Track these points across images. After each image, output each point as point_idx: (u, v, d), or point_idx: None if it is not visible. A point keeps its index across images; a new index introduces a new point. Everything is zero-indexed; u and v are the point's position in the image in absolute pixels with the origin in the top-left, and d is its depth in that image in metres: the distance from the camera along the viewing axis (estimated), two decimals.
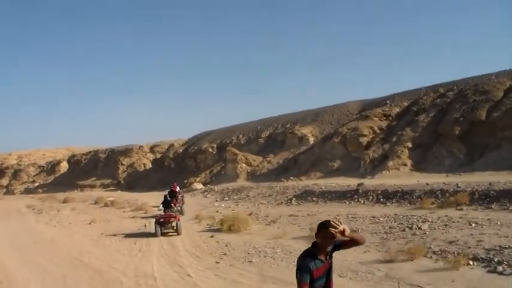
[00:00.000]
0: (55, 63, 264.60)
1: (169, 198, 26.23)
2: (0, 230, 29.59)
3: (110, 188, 70.91)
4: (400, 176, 34.27)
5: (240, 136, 61.45)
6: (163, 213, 24.19)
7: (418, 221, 18.88)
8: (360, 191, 27.93)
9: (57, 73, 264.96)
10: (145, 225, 26.77)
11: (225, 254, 17.34)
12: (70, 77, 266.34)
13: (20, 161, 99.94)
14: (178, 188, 32.61)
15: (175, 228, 23.11)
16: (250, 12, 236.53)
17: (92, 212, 37.76)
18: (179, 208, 29.11)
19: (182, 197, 33.66)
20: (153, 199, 42.26)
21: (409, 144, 37.70)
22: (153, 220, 24.29)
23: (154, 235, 22.44)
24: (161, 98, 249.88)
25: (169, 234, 22.74)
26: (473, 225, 16.88)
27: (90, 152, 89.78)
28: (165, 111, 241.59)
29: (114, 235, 24.15)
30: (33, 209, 45.60)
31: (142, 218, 30.58)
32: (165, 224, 23.16)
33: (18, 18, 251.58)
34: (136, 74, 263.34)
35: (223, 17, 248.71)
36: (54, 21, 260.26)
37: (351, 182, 32.55)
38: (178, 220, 23.22)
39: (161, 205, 25.48)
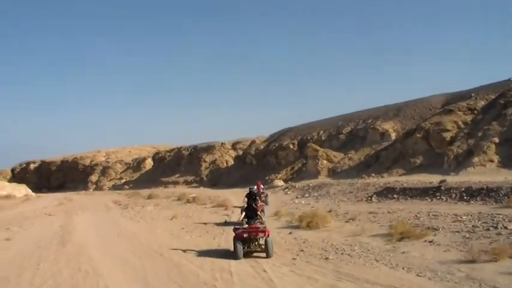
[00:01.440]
0: (138, 66, 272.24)
1: (250, 202, 19.65)
2: (88, 223, 30.81)
3: (193, 185, 72.32)
4: (486, 172, 33.01)
5: (321, 132, 61.09)
6: (245, 226, 17.70)
7: (504, 220, 18.13)
8: (442, 188, 27.15)
9: (134, 74, 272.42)
10: (225, 221, 27.11)
11: (302, 250, 17.33)
12: (152, 72, 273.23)
13: (108, 158, 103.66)
14: (262, 187, 32.52)
15: (263, 246, 16.85)
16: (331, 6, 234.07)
17: (174, 208, 38.65)
18: (263, 213, 21.65)
19: (266, 196, 32.56)
20: (235, 195, 42.77)
21: (496, 139, 36.23)
22: (236, 211, 23.68)
23: (233, 256, 16.68)
24: (243, 95, 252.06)
25: (255, 255, 16.85)
26: None
27: (173, 149, 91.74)
28: (247, 108, 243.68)
29: (194, 230, 24.60)
30: (119, 204, 47.21)
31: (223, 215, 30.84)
32: (249, 242, 16.93)
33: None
34: (217, 71, 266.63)
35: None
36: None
37: (433, 179, 31.67)
38: (268, 235, 16.95)
39: (243, 212, 19.11)
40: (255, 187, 27.53)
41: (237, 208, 30.71)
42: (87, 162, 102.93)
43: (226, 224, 24.54)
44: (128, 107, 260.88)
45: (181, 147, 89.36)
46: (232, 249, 17.07)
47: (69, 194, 74.87)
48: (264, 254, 16.52)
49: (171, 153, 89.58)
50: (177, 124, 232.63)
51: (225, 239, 21.00)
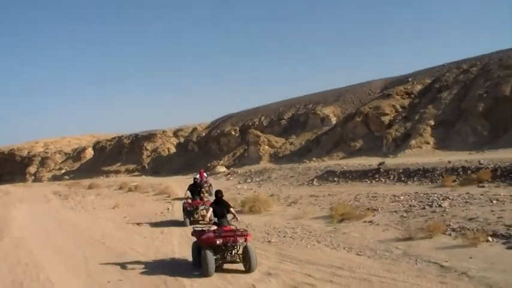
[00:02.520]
0: (77, 48, 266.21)
1: (195, 194, 21.89)
2: (27, 215, 30.08)
3: (135, 174, 71.55)
4: (423, 154, 34.01)
5: (262, 118, 61.40)
6: (190, 201, 21.50)
7: (438, 198, 18.77)
8: (381, 170, 27.81)
9: (78, 57, 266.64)
10: (167, 209, 27.01)
11: None
12: (91, 61, 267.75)
13: (47, 148, 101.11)
14: (205, 175, 32.37)
15: (205, 215, 17.79)
16: None
17: (116, 197, 38.20)
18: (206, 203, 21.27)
19: (210, 186, 31.82)
20: (177, 183, 42.62)
21: (432, 122, 37.32)
22: (176, 203, 24.01)
23: (182, 224, 20.60)
24: (183, 83, 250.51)
25: (200, 223, 19.33)
26: (494, 202, 16.73)
27: (114, 138, 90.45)
28: (188, 96, 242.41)
29: (137, 219, 24.42)
30: (59, 195, 46.23)
31: (166, 202, 30.65)
32: (193, 213, 21.12)
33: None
34: (158, 59, 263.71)
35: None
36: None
37: (373, 162, 32.36)
38: (209, 206, 19.22)
39: (188, 192, 22.06)
40: (198, 175, 27.40)
41: (178, 200, 29.55)
42: (25, 153, 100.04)
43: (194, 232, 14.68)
44: (66, 96, 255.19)
45: (122, 136, 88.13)
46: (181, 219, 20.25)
47: (6, 187, 72.74)
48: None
49: (112, 142, 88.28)
50: (118, 113, 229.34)
51: (168, 228, 20.97)
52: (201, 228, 13.57)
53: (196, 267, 12.76)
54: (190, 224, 19.75)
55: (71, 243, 18.54)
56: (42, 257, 16.17)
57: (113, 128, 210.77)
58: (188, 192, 22.05)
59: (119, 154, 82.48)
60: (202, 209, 20.67)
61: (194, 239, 13.60)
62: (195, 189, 22.22)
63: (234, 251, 12.35)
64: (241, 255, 14.52)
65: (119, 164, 79.39)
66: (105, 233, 20.34)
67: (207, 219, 13.65)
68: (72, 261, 15.22)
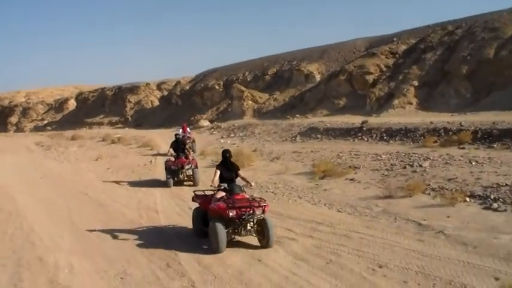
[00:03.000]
0: None
1: (178, 151, 20.28)
2: (9, 165, 30.06)
3: (118, 126, 71.11)
4: (406, 114, 34.19)
5: (247, 73, 61.00)
6: (174, 159, 19.76)
7: (419, 158, 19.03)
8: (364, 128, 28.02)
9: (63, 6, 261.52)
10: (150, 161, 27.10)
11: None
12: (76, 11, 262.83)
13: (29, 99, 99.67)
14: (188, 130, 32.13)
15: (191, 176, 19.20)
16: None
17: (99, 148, 38.18)
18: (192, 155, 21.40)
19: (193, 142, 30.20)
20: (160, 136, 42.58)
21: (415, 83, 37.41)
22: (159, 157, 23.79)
23: (165, 185, 19.06)
24: (167, 33, 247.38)
25: (184, 184, 19.30)
26: (473, 163, 17.00)
27: (97, 89, 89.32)
28: (172, 47, 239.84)
29: (120, 170, 24.51)
30: (42, 146, 46.04)
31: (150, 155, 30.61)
32: (178, 172, 19.25)
33: None
34: (143, 10, 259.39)
35: None
36: None
37: (356, 120, 32.53)
38: (196, 166, 19.43)
39: (171, 149, 20.52)
40: (181, 130, 26.41)
41: (159, 156, 28.26)
42: (6, 103, 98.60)
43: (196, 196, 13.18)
44: (49, 45, 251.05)
45: (105, 88, 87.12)
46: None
47: None
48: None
49: (95, 94, 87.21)
50: (101, 64, 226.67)
51: (151, 180, 21.09)
52: (203, 192, 12.10)
53: (198, 236, 11.37)
54: (174, 185, 18.77)
55: (54, 194, 18.68)
56: (25, 206, 16.31)
57: (96, 79, 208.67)
58: (171, 149, 20.40)
59: (102, 106, 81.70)
60: (187, 169, 19.26)
61: (194, 204, 12.25)
62: (178, 146, 20.54)
63: (249, 225, 10.51)
64: (190, 176, 16.42)
65: (101, 115, 78.75)
66: (88, 184, 20.45)
67: (214, 184, 11.12)
68: (56, 211, 15.38)
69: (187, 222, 12.44)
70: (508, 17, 38.17)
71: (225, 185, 10.98)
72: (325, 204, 14.15)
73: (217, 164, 12.01)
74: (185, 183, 19.24)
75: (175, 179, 19.14)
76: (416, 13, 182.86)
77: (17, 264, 10.01)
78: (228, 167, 11.59)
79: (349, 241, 10.36)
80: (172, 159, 19.73)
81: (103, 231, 12.35)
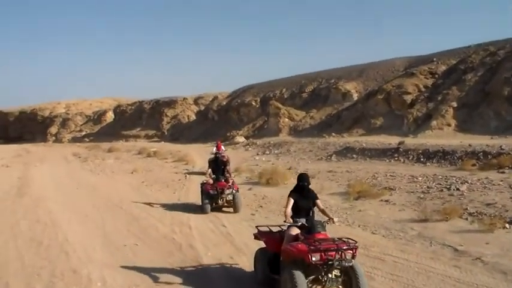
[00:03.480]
0: (102, 14, 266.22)
1: (217, 173, 17.73)
2: (46, 175, 30.54)
3: (154, 139, 71.89)
4: (444, 136, 33.72)
5: (284, 90, 61.06)
6: (212, 182, 17.26)
7: (457, 182, 18.66)
8: (401, 149, 27.69)
9: (104, 19, 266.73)
10: (185, 176, 27.21)
11: (261, 206, 17.60)
12: (117, 25, 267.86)
13: (68, 110, 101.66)
14: (223, 148, 30.29)
15: (231, 201, 17.00)
16: None
17: (134, 161, 38.56)
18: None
19: (227, 161, 27.65)
20: (196, 150, 42.91)
21: (455, 104, 36.90)
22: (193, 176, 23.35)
23: (201, 210, 16.95)
24: (205, 47, 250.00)
25: (224, 210, 17.22)
26: None
27: (135, 102, 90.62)
28: (209, 64, 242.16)
29: (154, 184, 24.68)
30: (79, 157, 46.81)
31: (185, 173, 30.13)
32: (217, 198, 16.96)
33: None
34: (180, 26, 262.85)
35: None
36: None
37: (392, 140, 32.21)
38: (237, 190, 17.19)
39: (209, 170, 17.82)
40: (215, 148, 23.60)
41: (194, 175, 27.25)
42: (47, 113, 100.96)
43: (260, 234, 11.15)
44: (89, 59, 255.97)
45: (143, 101, 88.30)
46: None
47: (27, 146, 73.83)
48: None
49: (133, 107, 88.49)
50: (139, 77, 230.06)
51: (185, 193, 21.16)
52: (268, 228, 9.90)
53: (264, 285, 9.17)
54: (212, 211, 16.73)
55: (89, 205, 18.83)
56: (61, 217, 16.46)
57: (134, 93, 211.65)
58: (210, 170, 17.77)
59: (139, 119, 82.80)
60: (228, 194, 16.97)
61: (260, 243, 10.11)
62: (218, 166, 17.92)
63: (334, 273, 7.97)
64: (230, 201, 15.80)
65: (138, 128, 79.80)
66: (123, 197, 20.60)
67: (287, 218, 8.81)
68: (90, 223, 15.51)
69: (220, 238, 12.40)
70: None
71: (303, 221, 8.83)
72: (359, 226, 13.99)
73: (290, 190, 9.39)
74: (224, 209, 17.35)
75: (214, 204, 16.93)
76: (457, 33, 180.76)
77: (52, 275, 10.11)
78: (304, 196, 9.22)
79: (383, 264, 10.20)
80: (210, 181, 17.24)
81: (136, 246, 12.40)
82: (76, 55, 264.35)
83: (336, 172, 24.83)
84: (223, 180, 17.29)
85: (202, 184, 17.46)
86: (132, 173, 30.12)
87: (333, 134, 42.70)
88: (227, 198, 17.01)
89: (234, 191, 16.94)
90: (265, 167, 27.49)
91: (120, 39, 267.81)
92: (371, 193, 17.95)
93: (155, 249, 12.09)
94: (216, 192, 16.84)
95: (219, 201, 17.02)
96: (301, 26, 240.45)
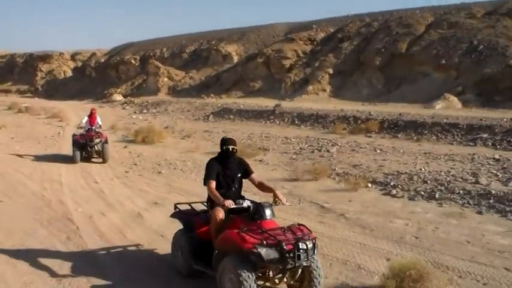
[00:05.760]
0: None
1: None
2: None
3: (27, 95, 68.33)
4: (319, 101, 34.86)
5: (164, 50, 60.29)
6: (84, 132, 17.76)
7: (327, 144, 19.49)
8: (277, 112, 28.37)
9: None
10: (59, 133, 26.24)
11: (136, 164, 17.32)
12: None
13: None
14: (98, 120, 28.29)
15: (100, 152, 17.42)
16: None
17: (4, 117, 36.44)
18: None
19: (105, 142, 25.63)
20: (71, 107, 41.37)
21: (330, 71, 38.19)
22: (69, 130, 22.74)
23: (72, 160, 17.13)
24: (84, 3, 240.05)
25: (93, 160, 17.61)
26: (378, 151, 17.62)
27: (6, 55, 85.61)
28: (88, 18, 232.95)
29: (25, 140, 23.56)
30: None
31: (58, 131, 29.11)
32: (86, 147, 17.28)
33: None
34: None
35: None
36: None
37: (270, 103, 32.82)
38: (106, 141, 17.60)
39: (82, 122, 18.47)
40: (86, 119, 20.59)
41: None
42: None
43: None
44: None
45: (14, 54, 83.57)
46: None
47: None
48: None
49: (3, 60, 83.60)
50: (11, 29, 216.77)
51: (58, 149, 20.42)
52: (190, 206, 7.93)
53: (188, 276, 7.13)
54: (81, 161, 17.02)
55: None
56: None
57: (5, 45, 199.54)
58: (82, 121, 18.52)
59: (10, 73, 78.45)
60: (97, 143, 17.30)
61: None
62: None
63: (92, 148, 6.24)
64: (99, 151, 16.84)
65: (9, 83, 75.65)
66: None
67: (216, 198, 6.64)
68: None
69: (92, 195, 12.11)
70: (420, 15, 39.63)
71: (248, 203, 6.82)
72: None
73: (210, 159, 7.46)
74: (94, 159, 17.72)
75: (84, 154, 17.29)
76: (336, 2, 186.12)
77: None
78: (229, 165, 7.25)
79: None
80: (82, 131, 17.74)
81: (1, 202, 11.81)
82: None
83: (212, 132, 25.01)
84: (93, 132, 17.67)
85: (74, 135, 17.80)
86: (0, 128, 28.49)
87: (212, 95, 42.81)
88: (96, 148, 17.47)
89: (102, 141, 17.40)
90: (142, 125, 27.04)
91: None
92: (245, 153, 18.12)
93: (22, 206, 11.57)
94: (85, 141, 17.26)
95: (89, 150, 17.40)
96: None
